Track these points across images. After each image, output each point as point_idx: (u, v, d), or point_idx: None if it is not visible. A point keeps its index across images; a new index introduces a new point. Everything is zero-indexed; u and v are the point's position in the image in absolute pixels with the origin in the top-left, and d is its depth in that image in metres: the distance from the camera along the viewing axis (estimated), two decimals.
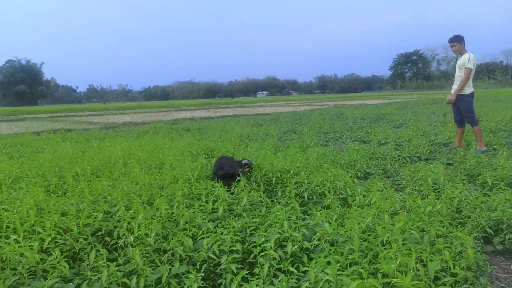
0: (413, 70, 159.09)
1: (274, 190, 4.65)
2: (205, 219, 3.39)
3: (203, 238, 2.98)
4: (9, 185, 4.46)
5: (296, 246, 2.75)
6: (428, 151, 7.38)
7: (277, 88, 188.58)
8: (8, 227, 2.99)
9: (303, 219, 3.40)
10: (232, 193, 4.30)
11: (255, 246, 2.85)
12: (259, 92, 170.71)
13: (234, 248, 2.78)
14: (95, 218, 3.32)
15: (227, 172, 4.73)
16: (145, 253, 2.79)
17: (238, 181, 4.49)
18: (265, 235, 2.93)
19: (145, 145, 8.40)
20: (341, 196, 4.24)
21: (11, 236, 2.71)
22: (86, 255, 2.77)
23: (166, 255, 2.74)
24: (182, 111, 34.95)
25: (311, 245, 2.78)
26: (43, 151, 7.32)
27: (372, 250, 2.56)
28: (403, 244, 2.54)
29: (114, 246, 3.12)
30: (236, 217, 3.50)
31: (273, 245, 2.74)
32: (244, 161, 5.30)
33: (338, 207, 3.59)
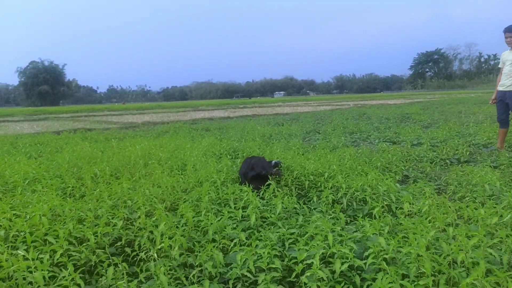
0: (434, 69, 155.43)
1: (307, 195, 4.24)
2: (235, 228, 3.01)
3: (235, 251, 2.60)
4: (24, 187, 4.18)
5: (346, 265, 2.33)
6: (467, 153, 6.82)
7: (294, 88, 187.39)
8: (17, 236, 2.67)
9: (347, 230, 2.97)
10: (262, 198, 3.91)
11: (296, 263, 2.46)
12: (277, 92, 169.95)
13: (273, 266, 2.38)
14: (114, 226, 2.98)
15: (259, 173, 4.29)
16: (169, 269, 2.43)
17: (269, 185, 4.10)
18: (306, 250, 2.53)
19: (165, 145, 8.10)
20: (384, 203, 3.79)
21: (18, 249, 2.39)
22: (104, 269, 2.43)
23: (194, 272, 2.37)
24: (200, 111, 34.83)
25: (364, 263, 2.36)
26: (62, 151, 7.10)
27: (444, 274, 2.12)
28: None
29: (135, 258, 2.77)
30: (271, 227, 3.11)
31: (318, 262, 2.34)
32: (274, 162, 4.84)
33: (387, 216, 3.15)
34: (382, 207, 3.62)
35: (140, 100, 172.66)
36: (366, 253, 2.45)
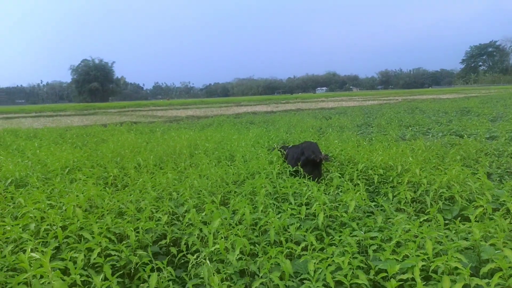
0: (488, 63, 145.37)
1: (378, 191, 3.63)
2: (300, 228, 2.49)
3: (305, 259, 2.08)
4: (64, 176, 3.90)
5: (459, 284, 1.73)
6: None
7: (337, 84, 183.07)
8: (49, 230, 2.31)
9: (446, 236, 2.34)
10: (326, 193, 3.35)
11: (386, 277, 1.90)
12: (318, 88, 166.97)
13: (358, 281, 1.83)
14: (158, 220, 2.56)
15: (308, 157, 3.94)
16: (226, 277, 1.95)
17: (318, 174, 3.55)
18: (397, 260, 1.96)
19: (211, 136, 7.74)
20: (476, 203, 3.10)
21: (34, 252, 1.97)
22: (146, 274, 2.00)
23: (256, 283, 1.88)
24: (243, 106, 34.62)
25: (487, 284, 1.75)
26: (107, 141, 6.92)
27: None
28: None
29: (182, 260, 2.33)
30: (343, 228, 2.55)
31: (419, 278, 1.76)
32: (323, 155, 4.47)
33: (493, 218, 2.49)
34: (474, 207, 2.94)
35: (184, 96, 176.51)
36: (484, 269, 1.84)
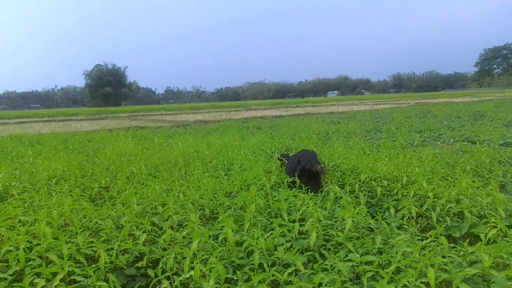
0: (503, 65, 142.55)
1: (380, 204, 3.38)
2: (290, 248, 2.27)
3: (289, 286, 1.85)
4: (52, 186, 3.74)
5: None
6: None
7: (348, 87, 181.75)
8: (11, 251, 2.12)
9: (451, 262, 2.09)
10: (321, 207, 3.12)
11: None
12: (330, 92, 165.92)
13: None
14: (136, 239, 2.36)
15: (304, 166, 3.73)
16: None
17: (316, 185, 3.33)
18: None
19: (213, 142, 7.56)
20: (486, 220, 2.83)
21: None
22: None
23: None
24: (253, 110, 34.48)
25: None
26: (106, 148, 6.78)
27: None
28: None
29: (158, 286, 2.13)
30: (338, 249, 2.32)
31: None
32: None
33: (506, 237, 2.23)
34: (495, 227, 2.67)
35: (195, 100, 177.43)
36: None
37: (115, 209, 2.83)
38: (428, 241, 2.25)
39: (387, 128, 10.75)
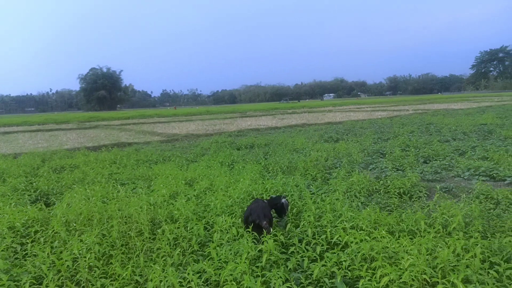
0: (499, 68, 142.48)
1: None
2: None
3: None
4: None
5: None
6: None
7: (344, 90, 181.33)
8: None
9: None
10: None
11: None
12: (326, 95, 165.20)
13: None
14: None
15: (253, 221, 3.69)
16: None
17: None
18: None
19: (197, 177, 6.66)
20: None
21: None
22: None
23: None
24: (248, 117, 33.60)
25: None
26: (62, 199, 5.79)
27: None
28: None
29: None
30: None
31: None
32: (283, 200, 4.22)
33: None
34: None
35: (191, 103, 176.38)
36: None
37: None
38: None
39: (390, 150, 9.87)
